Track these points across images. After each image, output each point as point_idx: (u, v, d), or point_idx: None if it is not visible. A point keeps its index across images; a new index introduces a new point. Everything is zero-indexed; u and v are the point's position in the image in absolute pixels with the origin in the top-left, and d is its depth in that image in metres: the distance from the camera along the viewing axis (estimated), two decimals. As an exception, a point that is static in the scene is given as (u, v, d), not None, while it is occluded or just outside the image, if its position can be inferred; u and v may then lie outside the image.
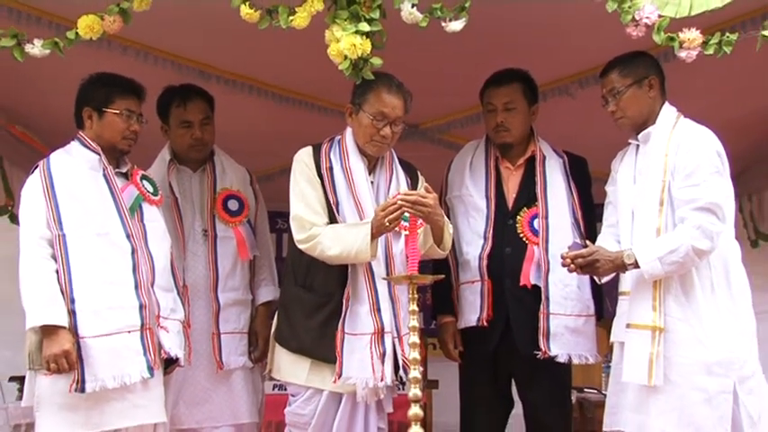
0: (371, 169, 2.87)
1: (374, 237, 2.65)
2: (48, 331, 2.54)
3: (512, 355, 3.00)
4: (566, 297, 2.95)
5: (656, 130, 2.71)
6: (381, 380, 2.68)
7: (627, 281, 2.72)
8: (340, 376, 2.69)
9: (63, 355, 2.52)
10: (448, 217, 3.03)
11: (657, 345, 2.52)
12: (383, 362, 2.69)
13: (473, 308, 3.01)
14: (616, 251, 2.66)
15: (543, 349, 2.90)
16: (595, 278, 2.84)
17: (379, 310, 2.72)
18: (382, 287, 2.75)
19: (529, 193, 3.07)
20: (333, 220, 2.77)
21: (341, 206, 2.76)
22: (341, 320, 2.73)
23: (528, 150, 3.14)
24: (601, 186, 3.20)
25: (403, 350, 2.75)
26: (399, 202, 2.59)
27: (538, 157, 3.11)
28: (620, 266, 2.61)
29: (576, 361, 2.95)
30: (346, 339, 2.71)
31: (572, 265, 2.66)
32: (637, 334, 2.59)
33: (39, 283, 2.58)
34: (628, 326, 2.64)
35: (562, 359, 2.92)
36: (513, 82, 3.07)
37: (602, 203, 3.00)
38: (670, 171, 2.60)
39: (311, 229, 2.72)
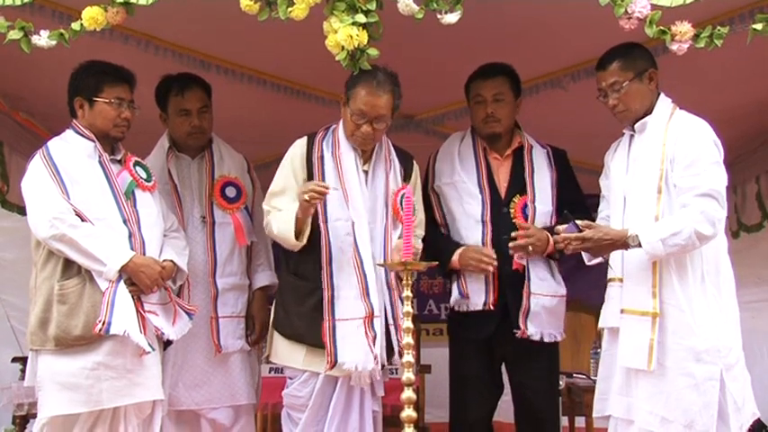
0: (367, 158, 2.92)
1: (299, 222, 2.75)
2: (131, 268, 2.67)
3: (506, 339, 3.06)
4: (542, 278, 3.04)
5: (653, 120, 2.74)
6: (376, 362, 2.74)
7: (618, 267, 2.75)
8: (334, 363, 2.74)
9: (160, 275, 2.74)
10: (438, 204, 3.15)
11: (658, 331, 2.56)
12: (374, 344, 2.75)
13: (479, 292, 3.06)
14: (618, 230, 2.68)
15: (522, 328, 2.99)
16: (585, 258, 2.86)
17: (368, 294, 2.77)
18: (371, 272, 2.80)
19: (520, 182, 3.13)
20: (316, 208, 2.82)
21: (327, 195, 2.80)
22: (328, 308, 2.77)
23: (514, 141, 3.20)
24: (584, 176, 3.27)
25: (399, 334, 2.78)
26: (321, 189, 2.67)
27: (526, 147, 3.18)
28: (622, 246, 2.63)
29: (546, 339, 3.03)
30: (337, 325, 2.76)
31: (566, 246, 2.70)
32: (634, 320, 2.62)
33: (94, 239, 2.65)
34: (622, 311, 2.67)
35: (536, 338, 3.00)
36: (501, 75, 3.13)
37: (590, 194, 3.08)
38: (668, 160, 2.63)
39: (270, 212, 2.86)
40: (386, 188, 2.90)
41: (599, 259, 2.81)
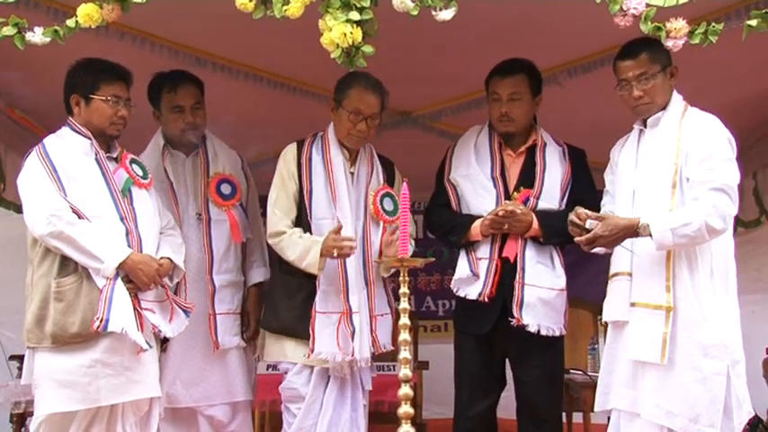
0: (353, 161, 3.05)
1: (322, 256, 2.87)
2: (128, 265, 2.67)
3: (507, 335, 3.07)
4: (538, 270, 3.05)
5: (667, 115, 2.74)
6: (351, 356, 2.88)
7: (624, 261, 2.74)
8: (313, 351, 2.87)
9: (157, 272, 2.74)
10: (455, 194, 3.19)
11: (672, 325, 2.57)
12: (353, 339, 2.88)
13: (478, 283, 3.07)
14: (628, 219, 2.66)
15: (516, 317, 2.99)
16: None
17: (347, 292, 2.91)
18: (352, 270, 2.93)
19: (530, 179, 3.14)
20: (302, 209, 2.98)
21: (313, 195, 2.97)
22: (313, 300, 2.91)
23: (529, 139, 3.21)
24: (595, 174, 3.26)
25: (374, 329, 2.97)
26: (351, 245, 2.86)
27: (539, 145, 3.19)
28: (632, 234, 2.62)
29: (543, 332, 3.02)
30: (318, 318, 2.89)
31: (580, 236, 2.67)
32: (647, 313, 2.61)
33: (91, 236, 2.65)
34: (633, 305, 2.67)
35: (532, 329, 3.00)
36: (519, 73, 3.12)
37: (602, 190, 3.05)
38: (684, 155, 2.64)
39: (279, 234, 2.98)
40: (367, 188, 3.03)
41: (599, 248, 2.80)
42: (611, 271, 2.82)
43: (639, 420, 2.63)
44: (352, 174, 3.04)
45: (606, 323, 2.87)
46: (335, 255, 2.85)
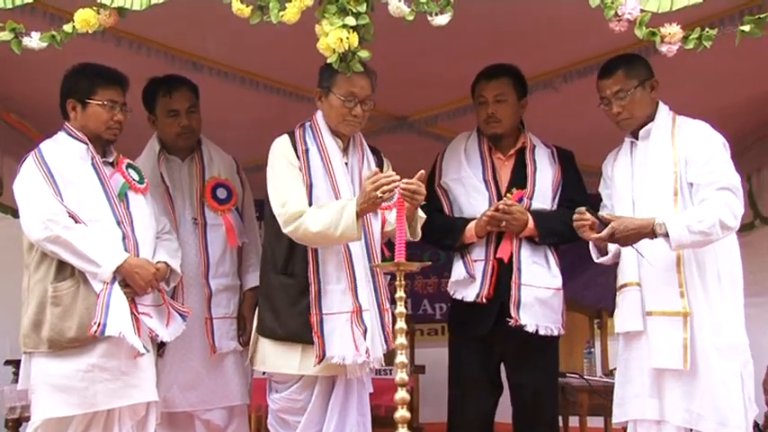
0: (344, 150, 2.93)
1: (360, 214, 2.69)
2: (125, 269, 2.67)
3: (505, 337, 3.08)
4: (534, 270, 3.06)
5: (657, 126, 2.81)
6: (367, 355, 2.73)
7: (632, 272, 2.76)
8: (322, 357, 2.72)
9: (154, 276, 2.73)
10: (446, 199, 3.20)
11: (691, 330, 2.61)
12: (365, 337, 2.74)
13: (475, 284, 3.08)
14: (644, 218, 2.67)
15: (514, 317, 2.99)
16: (593, 255, 2.89)
17: (356, 288, 2.77)
18: (359, 264, 2.80)
19: (520, 181, 3.16)
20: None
21: (314, 188, 2.81)
22: (315, 302, 2.76)
23: (518, 142, 3.23)
24: (586, 178, 3.27)
25: (386, 323, 2.83)
26: (400, 190, 2.61)
27: (528, 147, 3.21)
28: (648, 234, 2.63)
29: (541, 332, 3.02)
30: (324, 320, 2.75)
31: (583, 227, 2.71)
32: (665, 321, 2.65)
33: (88, 240, 2.64)
34: (649, 314, 2.69)
35: (530, 329, 3.00)
36: (503, 76, 3.16)
37: (593, 193, 3.09)
38: (682, 162, 2.71)
39: (299, 215, 2.73)
40: (360, 177, 2.91)
41: (606, 258, 2.83)
42: (619, 282, 2.84)
43: (665, 428, 2.66)
44: (346, 164, 2.91)
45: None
46: (380, 195, 2.60)
